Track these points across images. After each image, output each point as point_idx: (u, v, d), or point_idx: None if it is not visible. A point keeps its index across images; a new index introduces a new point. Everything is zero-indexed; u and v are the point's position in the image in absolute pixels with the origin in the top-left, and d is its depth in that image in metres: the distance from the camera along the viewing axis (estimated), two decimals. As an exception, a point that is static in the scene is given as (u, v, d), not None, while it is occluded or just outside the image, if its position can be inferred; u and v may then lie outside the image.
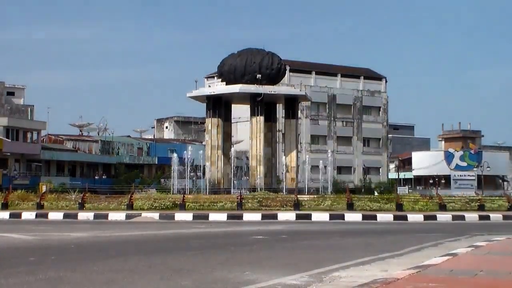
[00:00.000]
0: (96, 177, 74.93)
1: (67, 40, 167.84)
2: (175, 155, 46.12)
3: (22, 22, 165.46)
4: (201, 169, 48.15)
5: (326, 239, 16.32)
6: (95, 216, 28.25)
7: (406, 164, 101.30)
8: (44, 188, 46.21)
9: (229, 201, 31.45)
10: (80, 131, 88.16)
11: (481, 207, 32.08)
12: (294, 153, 43.55)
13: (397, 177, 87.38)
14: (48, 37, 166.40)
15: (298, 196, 31.78)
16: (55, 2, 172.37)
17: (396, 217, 27.76)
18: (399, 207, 30.72)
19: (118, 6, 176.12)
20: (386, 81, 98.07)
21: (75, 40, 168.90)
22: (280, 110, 62.10)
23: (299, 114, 75.27)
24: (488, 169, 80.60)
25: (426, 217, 27.82)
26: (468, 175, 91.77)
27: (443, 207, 31.40)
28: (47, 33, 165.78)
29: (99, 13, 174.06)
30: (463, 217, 28.48)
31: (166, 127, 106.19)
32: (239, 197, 31.21)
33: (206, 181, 43.00)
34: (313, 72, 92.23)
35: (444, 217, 28.14)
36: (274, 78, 43.67)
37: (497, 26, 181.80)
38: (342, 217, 27.70)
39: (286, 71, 62.85)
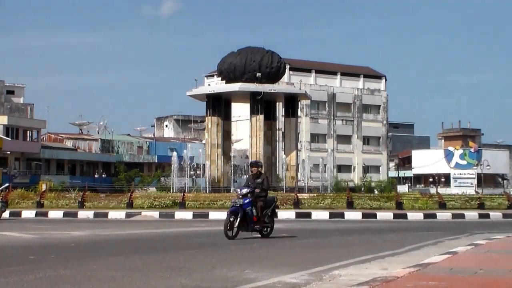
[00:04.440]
0: (96, 176, 74.97)
1: (69, 44, 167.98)
2: (175, 153, 46.16)
3: (25, 29, 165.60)
4: (201, 167, 48.17)
5: (326, 238, 16.32)
6: (95, 215, 28.26)
7: (406, 162, 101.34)
8: (44, 187, 46.23)
9: (229, 200, 31.38)
10: (80, 129, 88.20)
11: (481, 206, 32.08)
12: (294, 152, 43.56)
13: (397, 175, 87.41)
14: (50, 42, 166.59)
15: (298, 194, 31.76)
16: (58, 9, 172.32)
17: (396, 216, 27.77)
18: (399, 205, 30.72)
19: (118, 8, 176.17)
20: (386, 80, 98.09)
21: (76, 44, 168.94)
22: (280, 108, 62.11)
23: (299, 113, 75.34)
24: (488, 167, 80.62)
25: (426, 216, 27.83)
26: (468, 174, 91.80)
27: (443, 206, 31.40)
28: (49, 38, 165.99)
29: (100, 16, 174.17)
30: (463, 216, 28.48)
31: (166, 126, 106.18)
32: (239, 196, 31.14)
33: (206, 179, 42.99)
34: (313, 71, 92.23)
35: (444, 215, 28.15)
36: (274, 76, 43.66)
37: (498, 26, 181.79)
38: (342, 215, 27.71)
39: (286, 70, 62.86)
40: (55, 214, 28.97)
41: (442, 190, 52.86)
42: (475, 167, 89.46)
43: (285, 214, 27.63)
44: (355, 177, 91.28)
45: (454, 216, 28.13)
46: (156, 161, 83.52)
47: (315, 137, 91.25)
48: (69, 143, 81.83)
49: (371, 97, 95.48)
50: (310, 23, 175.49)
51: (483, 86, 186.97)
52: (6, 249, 12.95)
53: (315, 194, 36.23)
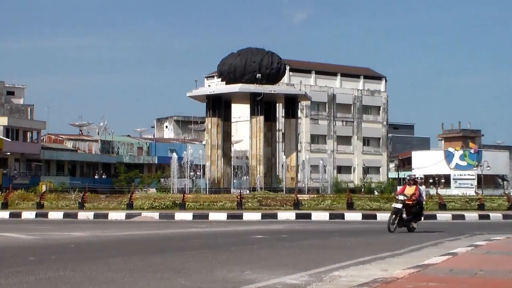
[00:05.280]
0: (96, 177, 74.95)
1: (69, 45, 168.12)
2: (175, 154, 46.19)
3: (25, 30, 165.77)
4: (201, 168, 48.21)
5: (326, 239, 16.32)
6: (95, 216, 28.26)
7: (406, 163, 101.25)
8: (44, 188, 46.23)
9: (229, 201, 31.44)
10: (80, 130, 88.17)
11: (481, 207, 32.07)
12: (294, 153, 43.56)
13: (397, 176, 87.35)
14: (50, 43, 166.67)
15: (298, 195, 31.78)
16: (58, 10, 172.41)
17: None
18: (399, 206, 30.66)
19: (118, 9, 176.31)
20: (386, 81, 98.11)
21: (76, 45, 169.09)
22: (280, 109, 62.13)
23: (299, 114, 75.35)
24: (488, 168, 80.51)
25: (426, 217, 27.75)
26: (468, 175, 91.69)
27: (443, 207, 31.40)
28: (49, 39, 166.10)
29: (100, 17, 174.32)
30: (463, 217, 28.47)
31: (166, 127, 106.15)
32: (239, 197, 31.20)
33: (206, 180, 42.99)
34: (313, 72, 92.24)
35: (444, 216, 28.14)
36: (274, 77, 43.67)
37: (498, 26, 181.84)
38: (342, 216, 27.70)
39: (286, 71, 62.87)
40: (55, 215, 28.97)
41: (442, 191, 52.70)
42: (475, 168, 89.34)
43: (285, 215, 27.65)
44: (355, 178, 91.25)
45: (454, 217, 28.12)
46: (156, 162, 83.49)
47: (315, 138, 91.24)
48: (69, 144, 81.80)
49: (371, 98, 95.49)
50: (310, 23, 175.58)
51: (483, 86, 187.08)
52: (6, 250, 12.96)
53: (315, 195, 36.26)
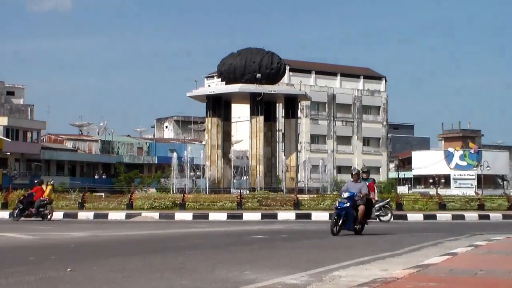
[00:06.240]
0: (96, 177, 74.98)
1: (69, 45, 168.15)
2: (175, 154, 46.16)
3: (25, 30, 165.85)
4: (201, 168, 48.18)
5: (326, 239, 16.32)
6: (95, 216, 28.26)
7: (406, 163, 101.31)
8: (44, 188, 46.13)
9: (229, 201, 31.44)
10: (80, 130, 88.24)
11: (480, 207, 32.07)
12: (294, 153, 43.54)
13: (397, 176, 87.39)
14: (50, 43, 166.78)
15: (298, 195, 31.78)
16: (58, 11, 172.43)
17: (395, 217, 27.75)
18: (399, 206, 30.72)
19: (118, 9, 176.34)
20: (385, 81, 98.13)
21: (77, 45, 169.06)
22: (280, 109, 62.12)
23: (299, 114, 75.34)
24: (488, 168, 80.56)
25: (425, 217, 27.84)
26: (468, 175, 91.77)
27: (443, 207, 31.41)
28: (49, 40, 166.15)
29: (100, 18, 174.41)
30: (463, 217, 28.48)
31: (166, 127, 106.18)
32: (239, 197, 31.21)
33: (206, 180, 42.96)
34: (313, 72, 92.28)
35: (443, 216, 28.15)
36: (274, 77, 43.62)
37: (498, 27, 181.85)
38: (342, 216, 27.66)
39: (286, 71, 62.85)
40: (55, 215, 28.88)
41: (442, 191, 52.74)
42: (475, 168, 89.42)
43: (285, 215, 27.65)
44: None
45: (454, 217, 28.12)
46: (156, 162, 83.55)
47: (315, 138, 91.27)
48: (69, 144, 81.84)
49: (371, 98, 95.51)
50: (310, 24, 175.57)
51: (483, 86, 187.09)
52: (6, 250, 12.96)
53: (315, 195, 36.25)
